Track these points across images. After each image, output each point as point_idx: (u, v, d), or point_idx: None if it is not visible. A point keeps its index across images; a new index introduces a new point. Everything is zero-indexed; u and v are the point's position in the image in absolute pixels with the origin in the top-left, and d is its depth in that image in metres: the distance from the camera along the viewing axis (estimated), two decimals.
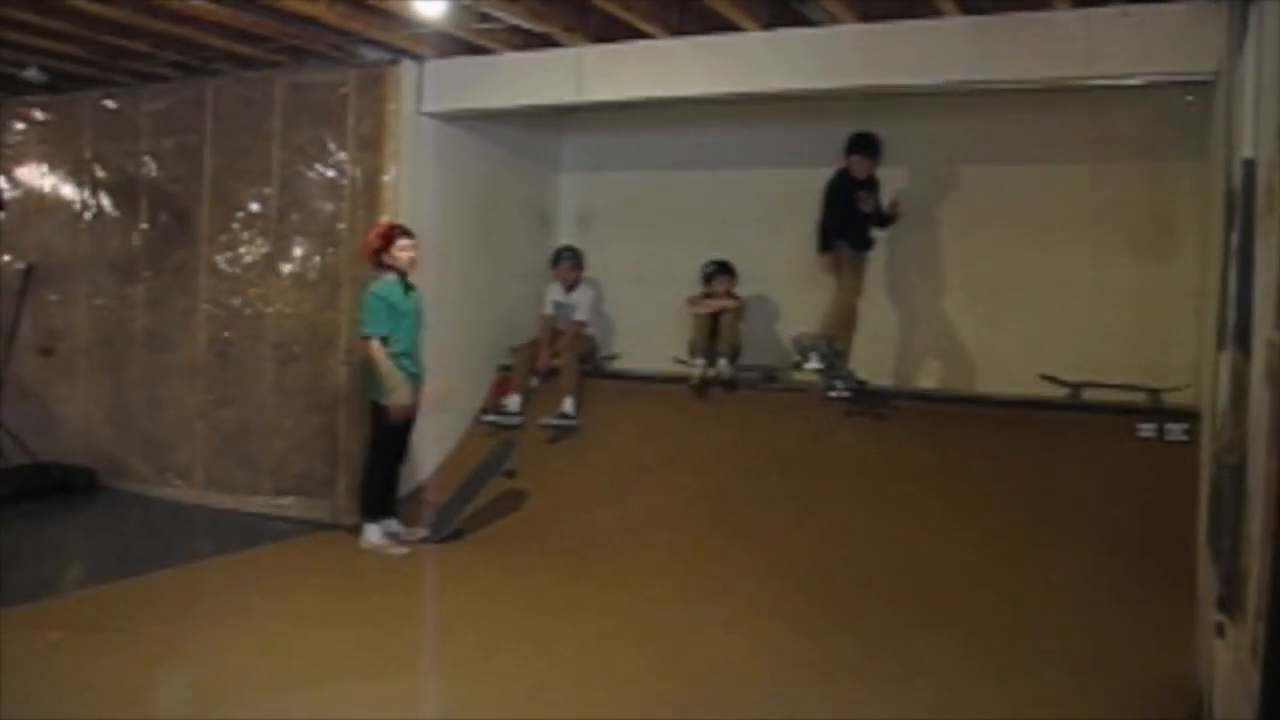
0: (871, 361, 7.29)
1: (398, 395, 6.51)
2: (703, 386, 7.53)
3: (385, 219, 7.04)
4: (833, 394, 6.96)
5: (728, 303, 7.68)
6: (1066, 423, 6.53)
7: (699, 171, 8.37)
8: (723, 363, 7.57)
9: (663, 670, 4.77)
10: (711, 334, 7.66)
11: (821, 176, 7.10)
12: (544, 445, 7.50)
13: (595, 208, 8.83)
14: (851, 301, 7.06)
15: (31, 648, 4.75)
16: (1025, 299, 7.31)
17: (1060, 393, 6.84)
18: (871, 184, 7.16)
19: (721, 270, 7.79)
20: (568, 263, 8.10)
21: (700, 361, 7.59)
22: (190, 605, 5.58)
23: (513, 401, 7.70)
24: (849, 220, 7.06)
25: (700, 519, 6.61)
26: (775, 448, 7.02)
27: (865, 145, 7.09)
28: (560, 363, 7.76)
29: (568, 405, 7.57)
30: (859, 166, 7.07)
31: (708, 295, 7.77)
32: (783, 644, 5.09)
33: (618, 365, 8.31)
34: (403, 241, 6.60)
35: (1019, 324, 7.28)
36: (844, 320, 7.03)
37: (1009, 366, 7.15)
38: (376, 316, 6.51)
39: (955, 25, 5.87)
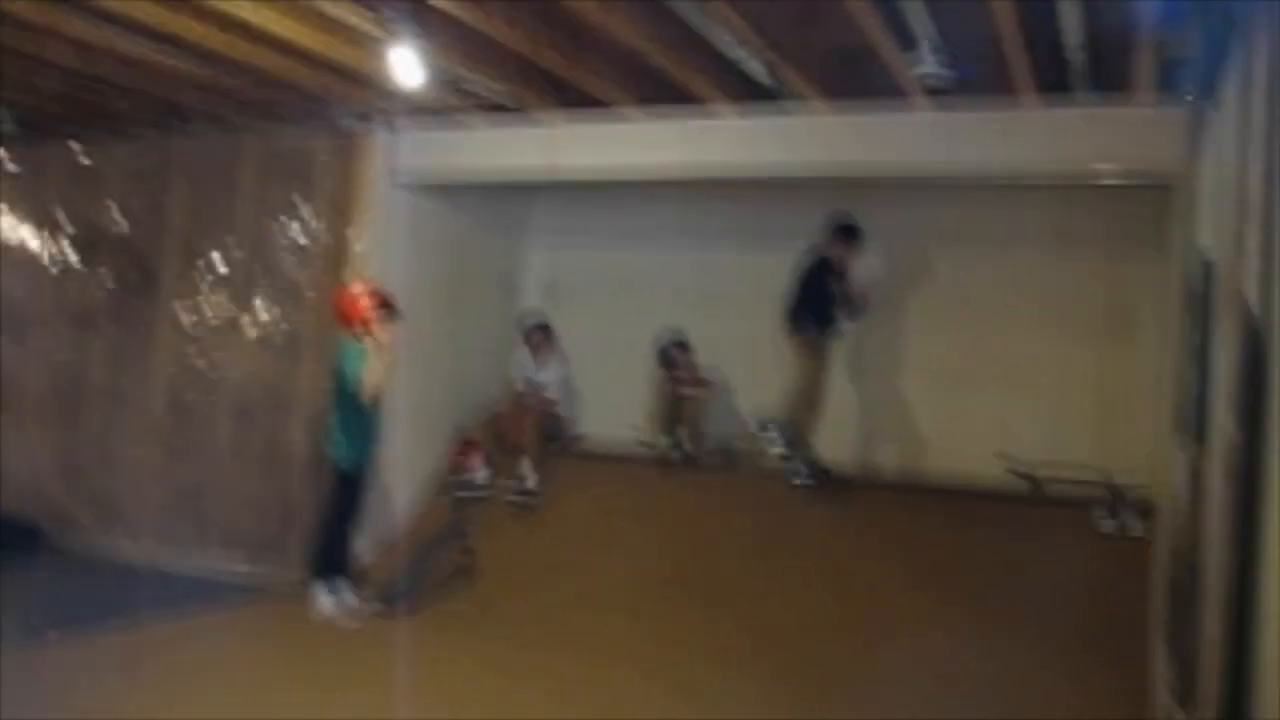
0: (834, 444, 7.30)
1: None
2: (665, 465, 7.51)
3: (367, 284, 6.87)
4: (796, 480, 6.95)
5: (699, 392, 7.69)
6: (1026, 514, 6.56)
7: (667, 248, 8.43)
8: (686, 442, 7.55)
9: None
10: (675, 412, 7.65)
11: (788, 258, 7.15)
12: (503, 518, 7.42)
13: (562, 280, 8.85)
14: (814, 386, 7.06)
15: None
16: (988, 385, 7.38)
17: (1021, 483, 6.88)
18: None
19: (680, 348, 7.77)
20: (538, 336, 8.09)
21: (664, 440, 7.58)
22: (133, 668, 5.45)
23: (480, 474, 7.62)
24: (822, 305, 7.06)
25: (659, 597, 6.53)
26: (735, 529, 6.99)
27: (850, 233, 7.11)
28: (525, 439, 7.70)
29: (530, 481, 7.50)
30: (841, 254, 7.09)
31: (674, 379, 7.75)
32: None
33: (577, 438, 8.28)
34: (389, 325, 6.53)
35: (981, 409, 7.34)
36: (807, 404, 7.03)
37: (971, 452, 7.20)
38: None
39: (923, 117, 6.00)
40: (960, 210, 7.39)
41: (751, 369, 7.87)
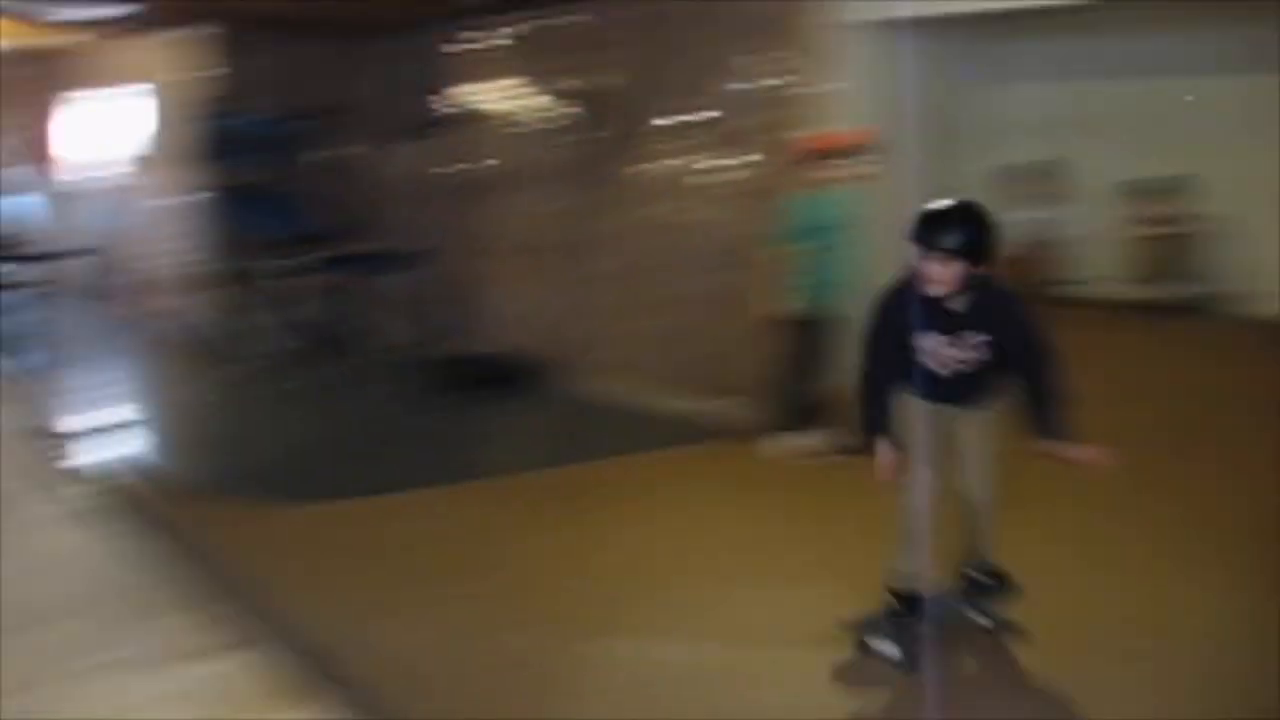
0: None
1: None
2: (1154, 312, 6.98)
3: (833, 130, 6.84)
4: None
5: (1174, 235, 7.05)
6: None
7: (1155, 78, 7.65)
8: (1173, 288, 6.97)
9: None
10: (1157, 257, 7.06)
11: None
12: None
13: (1045, 120, 8.30)
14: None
15: (477, 520, 5.34)
16: None
17: None
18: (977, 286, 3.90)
19: (1157, 190, 6.98)
20: (1034, 179, 7.79)
21: (1143, 287, 7.05)
22: (608, 497, 5.98)
23: None
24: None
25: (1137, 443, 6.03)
26: (1222, 378, 6.35)
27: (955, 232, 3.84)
28: (1021, 285, 7.40)
29: None
30: (938, 274, 3.86)
31: (1147, 221, 7.14)
32: None
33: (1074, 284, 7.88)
34: (865, 164, 6.43)
35: None
36: None
37: None
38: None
39: None
40: None
41: (1261, 209, 7.01)
